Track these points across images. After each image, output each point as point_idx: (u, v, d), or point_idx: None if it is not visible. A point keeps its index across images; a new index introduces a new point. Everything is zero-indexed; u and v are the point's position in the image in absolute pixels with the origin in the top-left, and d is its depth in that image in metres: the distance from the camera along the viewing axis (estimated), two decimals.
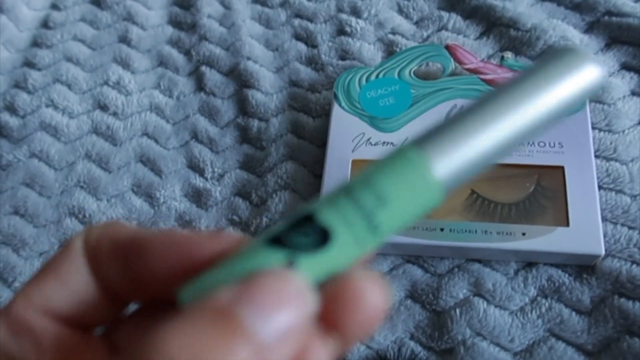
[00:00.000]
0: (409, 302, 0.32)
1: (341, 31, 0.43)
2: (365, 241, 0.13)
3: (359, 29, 0.42)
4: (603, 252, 0.30)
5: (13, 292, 0.35)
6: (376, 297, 0.13)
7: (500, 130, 0.14)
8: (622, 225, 0.31)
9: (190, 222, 0.36)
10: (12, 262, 0.36)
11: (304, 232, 0.13)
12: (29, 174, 0.39)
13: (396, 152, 0.14)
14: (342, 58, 0.41)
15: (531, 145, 0.33)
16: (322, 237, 0.13)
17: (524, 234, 0.31)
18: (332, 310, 0.13)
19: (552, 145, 0.33)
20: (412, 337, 0.31)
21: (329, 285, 0.13)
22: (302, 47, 0.42)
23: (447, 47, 0.37)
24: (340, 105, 0.36)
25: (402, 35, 0.41)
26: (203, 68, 0.42)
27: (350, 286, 0.13)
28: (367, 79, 0.37)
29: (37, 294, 0.14)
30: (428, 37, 0.41)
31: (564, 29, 0.39)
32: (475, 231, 0.31)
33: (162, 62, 0.44)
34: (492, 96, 0.14)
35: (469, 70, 0.37)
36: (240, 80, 0.41)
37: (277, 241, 0.13)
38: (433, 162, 0.13)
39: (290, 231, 0.13)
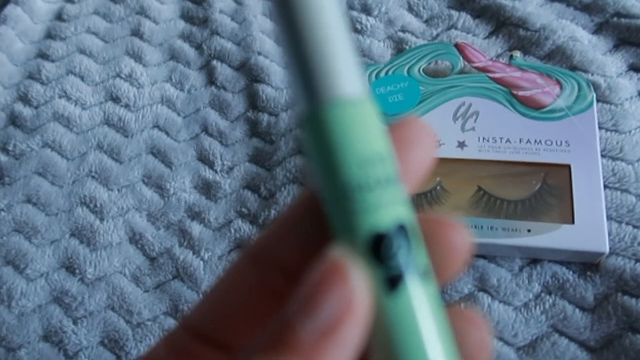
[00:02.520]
0: None
1: (351, 28, 0.43)
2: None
3: (369, 26, 0.43)
4: (607, 250, 0.30)
5: (25, 278, 0.35)
6: (459, 236, 0.13)
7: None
8: (627, 224, 0.32)
9: (200, 213, 0.37)
10: (24, 249, 0.36)
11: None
12: (41, 163, 0.40)
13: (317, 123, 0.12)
14: None
15: (538, 144, 0.33)
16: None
17: (529, 231, 0.31)
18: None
19: (559, 143, 0.33)
20: None
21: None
22: None
23: (457, 46, 0.38)
24: None
25: (412, 33, 0.42)
26: (214, 62, 0.43)
27: (434, 226, 0.13)
28: (377, 76, 0.38)
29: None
30: (438, 35, 0.42)
31: (572, 29, 0.39)
32: (481, 227, 0.31)
33: (174, 55, 0.44)
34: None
35: (477, 68, 0.37)
36: (251, 74, 0.42)
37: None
38: (333, 92, 0.12)
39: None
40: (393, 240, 0.11)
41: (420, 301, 0.11)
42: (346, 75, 0.12)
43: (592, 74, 0.37)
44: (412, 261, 0.12)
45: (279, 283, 0.13)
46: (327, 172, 0.11)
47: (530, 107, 0.35)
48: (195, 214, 0.37)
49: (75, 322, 0.34)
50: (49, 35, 0.47)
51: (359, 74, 0.12)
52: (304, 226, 0.13)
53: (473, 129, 0.35)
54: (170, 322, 0.33)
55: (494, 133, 0.34)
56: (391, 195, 0.12)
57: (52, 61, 0.45)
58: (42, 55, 0.45)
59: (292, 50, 0.12)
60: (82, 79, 0.44)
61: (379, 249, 0.11)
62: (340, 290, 0.11)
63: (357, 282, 0.11)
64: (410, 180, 0.13)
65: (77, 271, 0.35)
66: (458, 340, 0.12)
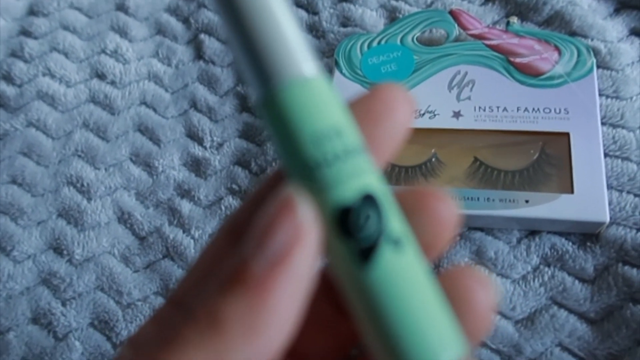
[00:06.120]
0: None
1: None
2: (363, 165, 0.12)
3: None
4: (608, 220, 0.29)
5: (12, 261, 0.35)
6: (446, 209, 0.13)
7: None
8: (628, 192, 0.31)
9: (189, 191, 0.36)
10: (10, 231, 0.35)
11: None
12: (26, 143, 0.39)
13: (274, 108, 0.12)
14: (344, 25, 0.40)
15: (536, 112, 0.32)
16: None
17: (527, 202, 0.30)
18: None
19: (557, 111, 0.32)
20: None
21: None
22: (302, 14, 0.42)
23: (451, 13, 0.36)
24: (341, 72, 0.36)
25: (405, 1, 0.40)
26: (202, 36, 0.42)
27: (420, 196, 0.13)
28: (369, 46, 0.36)
29: None
30: (432, 2, 0.40)
31: None
32: (478, 198, 0.31)
33: (161, 30, 0.43)
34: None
35: (473, 36, 0.36)
36: None
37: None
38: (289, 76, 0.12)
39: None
40: (360, 212, 0.11)
41: (399, 270, 0.11)
42: (292, 57, 0.12)
43: (592, 39, 0.36)
44: (383, 230, 0.11)
45: None
46: (286, 154, 0.12)
47: (528, 74, 0.34)
48: (184, 192, 0.36)
49: (64, 304, 0.33)
50: (32, 11, 0.45)
51: (305, 53, 0.12)
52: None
53: (469, 98, 0.33)
54: (161, 302, 0.33)
55: (490, 102, 0.33)
56: (353, 166, 0.11)
57: (35, 38, 0.44)
58: (25, 33, 0.44)
59: (236, 39, 0.12)
60: (66, 55, 0.42)
61: (346, 223, 0.11)
62: (288, 223, 0.11)
63: (304, 213, 0.11)
64: (383, 150, 0.13)
65: (65, 252, 0.35)
66: (461, 302, 0.12)
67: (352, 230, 0.11)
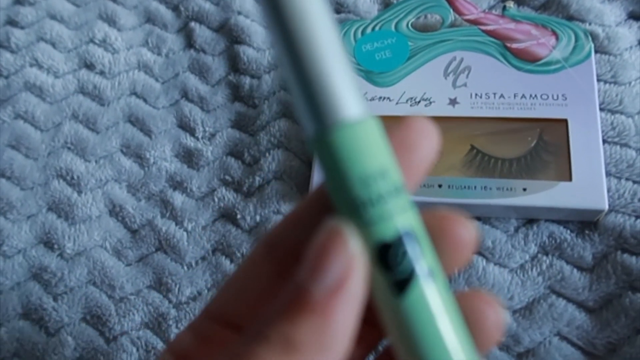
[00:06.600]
0: None
1: None
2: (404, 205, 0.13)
3: None
4: (606, 207, 0.29)
5: (1, 256, 0.34)
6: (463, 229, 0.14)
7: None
8: (627, 179, 0.30)
9: (182, 182, 0.35)
10: None
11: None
12: (14, 135, 0.38)
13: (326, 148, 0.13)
14: (337, 11, 0.39)
15: (533, 98, 0.32)
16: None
17: (524, 190, 0.30)
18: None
19: (555, 97, 0.32)
20: None
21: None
22: None
23: None
24: None
25: None
26: (192, 24, 0.41)
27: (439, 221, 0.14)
28: (363, 32, 0.36)
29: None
30: None
31: None
32: (475, 187, 0.30)
33: (150, 18, 0.42)
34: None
35: (469, 21, 0.35)
36: (231, 36, 0.40)
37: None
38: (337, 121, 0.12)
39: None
40: (398, 249, 0.13)
41: (429, 300, 0.13)
42: (345, 99, 0.12)
43: (590, 24, 0.35)
44: (418, 264, 0.13)
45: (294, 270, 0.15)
46: (335, 189, 0.13)
47: (525, 60, 0.33)
48: (177, 184, 0.35)
49: (55, 299, 0.33)
50: (17, 0, 0.44)
51: (358, 95, 0.13)
52: (317, 218, 0.14)
53: (465, 85, 0.33)
54: (154, 296, 0.32)
55: (487, 89, 0.32)
56: (395, 205, 0.13)
57: (22, 28, 0.43)
58: (11, 22, 0.43)
59: (294, 79, 0.13)
60: (54, 45, 0.41)
61: (386, 257, 0.13)
62: (342, 253, 0.12)
63: (354, 245, 0.12)
64: (411, 180, 0.14)
65: (56, 246, 0.34)
66: (475, 320, 0.14)
67: (390, 264, 0.13)
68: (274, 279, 0.15)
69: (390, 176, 0.13)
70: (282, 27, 0.12)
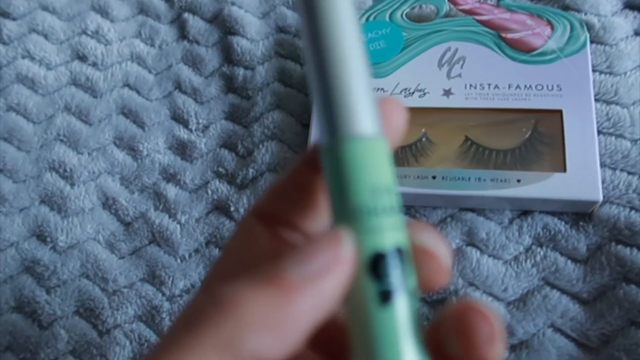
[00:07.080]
0: None
1: None
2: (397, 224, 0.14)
3: None
4: (601, 199, 0.29)
5: None
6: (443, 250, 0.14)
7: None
8: (621, 170, 0.30)
9: (175, 175, 0.35)
10: None
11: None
12: (6, 128, 0.38)
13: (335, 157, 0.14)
14: None
15: (528, 89, 0.32)
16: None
17: (519, 181, 0.29)
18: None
19: (550, 88, 0.31)
20: None
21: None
22: None
23: None
24: None
25: None
26: (185, 15, 0.40)
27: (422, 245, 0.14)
28: None
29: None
30: None
31: None
32: (469, 179, 0.30)
33: (143, 9, 0.42)
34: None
35: (464, 11, 0.35)
36: (225, 26, 0.39)
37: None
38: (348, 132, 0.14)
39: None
40: (390, 261, 0.13)
41: (405, 316, 0.13)
42: (368, 117, 0.14)
43: (585, 14, 0.35)
44: (403, 281, 0.13)
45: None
46: (342, 195, 0.13)
47: (520, 50, 0.33)
48: (170, 176, 0.35)
49: (48, 292, 0.32)
50: None
51: (376, 114, 0.14)
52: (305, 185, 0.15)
53: (459, 75, 0.33)
54: (148, 289, 0.32)
55: (481, 79, 0.32)
56: (393, 222, 0.13)
57: (13, 19, 0.42)
58: (2, 14, 0.43)
59: (318, 91, 0.14)
60: (46, 37, 0.41)
61: (377, 266, 0.13)
62: (333, 250, 0.13)
63: (347, 249, 0.13)
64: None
65: (49, 239, 0.34)
66: (468, 332, 0.13)
67: (380, 273, 0.13)
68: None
69: (394, 195, 0.14)
70: (318, 45, 0.14)
